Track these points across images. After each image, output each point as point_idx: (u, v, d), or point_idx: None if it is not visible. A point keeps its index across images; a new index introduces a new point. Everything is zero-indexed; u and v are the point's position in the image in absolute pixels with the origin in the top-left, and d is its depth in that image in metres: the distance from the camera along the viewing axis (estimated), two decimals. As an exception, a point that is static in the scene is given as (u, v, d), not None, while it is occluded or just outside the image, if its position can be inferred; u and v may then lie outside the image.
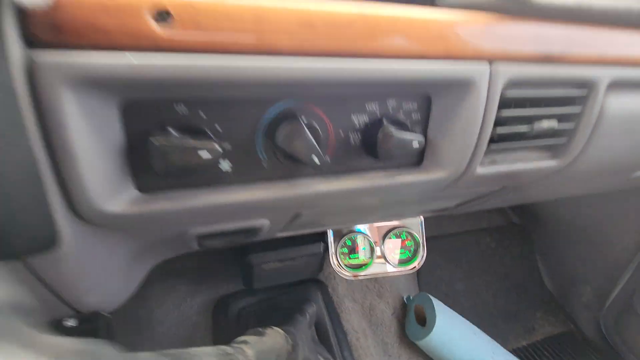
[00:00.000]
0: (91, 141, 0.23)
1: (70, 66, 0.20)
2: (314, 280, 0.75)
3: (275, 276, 0.64)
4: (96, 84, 0.22)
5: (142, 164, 0.26)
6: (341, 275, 0.67)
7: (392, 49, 0.27)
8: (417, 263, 0.71)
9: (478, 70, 0.30)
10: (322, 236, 0.66)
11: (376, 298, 0.86)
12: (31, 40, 0.20)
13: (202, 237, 0.35)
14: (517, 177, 0.41)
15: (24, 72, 0.20)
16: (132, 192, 0.26)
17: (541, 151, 0.40)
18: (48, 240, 0.24)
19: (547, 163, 0.40)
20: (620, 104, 0.38)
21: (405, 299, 0.92)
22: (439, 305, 0.84)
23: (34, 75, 0.20)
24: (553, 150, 0.40)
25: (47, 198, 0.22)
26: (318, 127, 0.29)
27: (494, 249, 1.16)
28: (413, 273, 0.99)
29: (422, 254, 0.71)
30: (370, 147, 0.31)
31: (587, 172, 0.45)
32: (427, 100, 0.33)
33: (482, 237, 1.15)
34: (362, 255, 0.69)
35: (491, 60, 0.31)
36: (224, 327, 0.67)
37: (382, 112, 0.31)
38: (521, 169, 0.39)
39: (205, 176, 0.28)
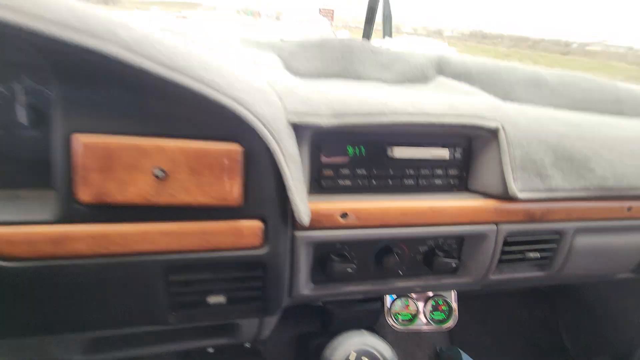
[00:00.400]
0: (304, 264, 0.51)
1: (306, 237, 0.49)
2: (370, 328, 0.99)
3: (346, 323, 0.89)
4: (312, 242, 0.50)
5: (317, 271, 0.54)
6: (393, 327, 0.90)
7: (444, 220, 0.54)
8: (450, 323, 0.93)
9: (490, 229, 0.56)
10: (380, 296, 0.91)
11: (415, 347, 1.07)
12: (294, 227, 0.48)
13: (327, 302, 0.62)
14: (519, 280, 0.65)
15: (290, 239, 0.48)
16: (311, 284, 0.54)
17: (533, 266, 0.64)
18: (277, 309, 0.51)
19: (537, 273, 0.64)
20: (584, 242, 0.62)
21: (438, 350, 1.13)
22: (467, 359, 1.04)
23: (294, 240, 0.48)
24: (541, 266, 0.63)
25: (284, 290, 0.50)
26: (402, 254, 0.56)
27: (519, 312, 1.33)
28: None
29: (455, 316, 0.93)
30: (427, 264, 0.57)
31: (572, 278, 0.68)
32: (462, 240, 0.58)
33: (508, 300, 1.33)
34: (409, 314, 0.92)
35: (497, 222, 0.56)
36: (305, 358, 0.92)
37: (436, 245, 0.58)
38: (520, 276, 0.63)
39: (342, 276, 0.55)
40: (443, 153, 0.54)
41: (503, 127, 0.54)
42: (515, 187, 0.54)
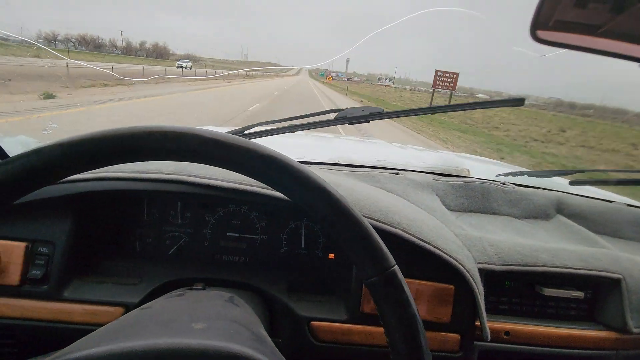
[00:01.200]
0: None
1: (481, 346, 0.71)
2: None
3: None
4: (483, 350, 0.71)
5: None
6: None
7: (577, 345, 0.73)
8: None
9: (611, 354, 0.73)
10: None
11: None
12: (474, 339, 0.71)
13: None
14: None
15: (471, 348, 0.71)
16: None
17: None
18: None
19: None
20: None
21: None
22: None
23: (473, 348, 0.71)
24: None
25: None
26: None
27: None
28: None
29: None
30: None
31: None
32: (589, 359, 0.76)
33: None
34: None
35: (616, 349, 0.74)
36: None
37: (568, 362, 0.76)
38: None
39: None
40: (579, 294, 0.74)
41: (624, 278, 0.74)
42: (632, 325, 0.72)
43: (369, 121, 0.89)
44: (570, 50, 0.51)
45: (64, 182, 0.62)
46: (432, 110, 0.89)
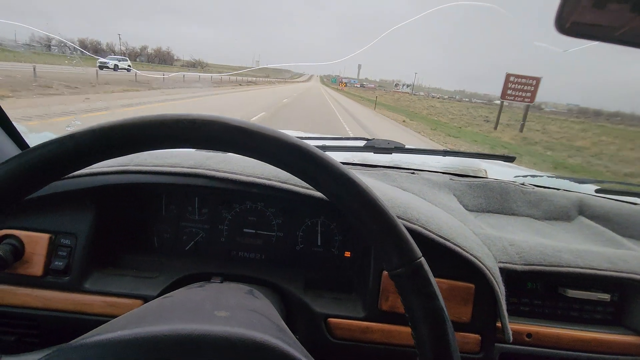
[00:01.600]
0: None
1: (502, 348, 0.69)
2: None
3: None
4: (504, 352, 0.69)
5: None
6: None
7: (604, 350, 0.70)
8: None
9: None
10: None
11: None
12: (495, 340, 0.69)
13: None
14: None
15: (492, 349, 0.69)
16: None
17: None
18: None
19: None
20: None
21: None
22: None
23: (494, 349, 0.69)
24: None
25: None
26: None
27: None
28: None
29: None
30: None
31: None
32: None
33: None
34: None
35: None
36: None
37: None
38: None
39: None
40: (605, 297, 0.72)
41: (653, 281, 0.71)
42: (666, 332, 0.69)
43: (391, 153, 1.05)
44: (597, 41, 0.50)
45: (86, 175, 0.63)
46: (444, 153, 1.10)
